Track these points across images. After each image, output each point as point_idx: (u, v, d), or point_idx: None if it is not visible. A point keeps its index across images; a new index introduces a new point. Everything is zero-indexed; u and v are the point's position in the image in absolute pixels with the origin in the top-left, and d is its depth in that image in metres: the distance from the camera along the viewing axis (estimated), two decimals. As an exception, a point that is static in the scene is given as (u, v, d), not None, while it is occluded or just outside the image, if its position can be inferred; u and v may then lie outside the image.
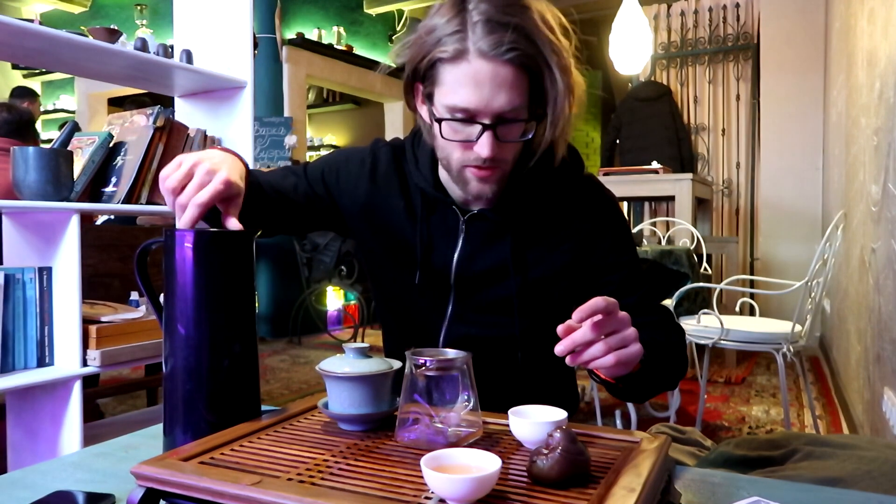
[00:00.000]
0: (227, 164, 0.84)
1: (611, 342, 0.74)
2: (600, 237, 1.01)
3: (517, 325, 1.00)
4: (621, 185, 3.85)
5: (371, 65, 6.29)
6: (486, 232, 0.99)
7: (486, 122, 0.84)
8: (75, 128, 1.85)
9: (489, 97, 0.83)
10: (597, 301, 0.72)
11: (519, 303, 1.00)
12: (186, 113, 2.21)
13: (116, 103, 6.44)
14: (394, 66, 0.97)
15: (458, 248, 1.00)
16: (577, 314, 0.72)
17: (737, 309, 2.81)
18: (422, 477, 0.56)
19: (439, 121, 0.87)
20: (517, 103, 0.84)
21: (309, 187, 1.05)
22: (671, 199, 3.91)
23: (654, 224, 4.24)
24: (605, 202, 1.04)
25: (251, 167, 2.17)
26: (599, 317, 0.72)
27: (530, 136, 0.88)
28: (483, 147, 0.86)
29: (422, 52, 0.86)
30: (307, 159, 6.24)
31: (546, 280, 1.00)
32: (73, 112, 7.17)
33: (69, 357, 1.68)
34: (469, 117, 0.85)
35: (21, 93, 4.95)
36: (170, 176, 0.81)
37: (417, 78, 0.90)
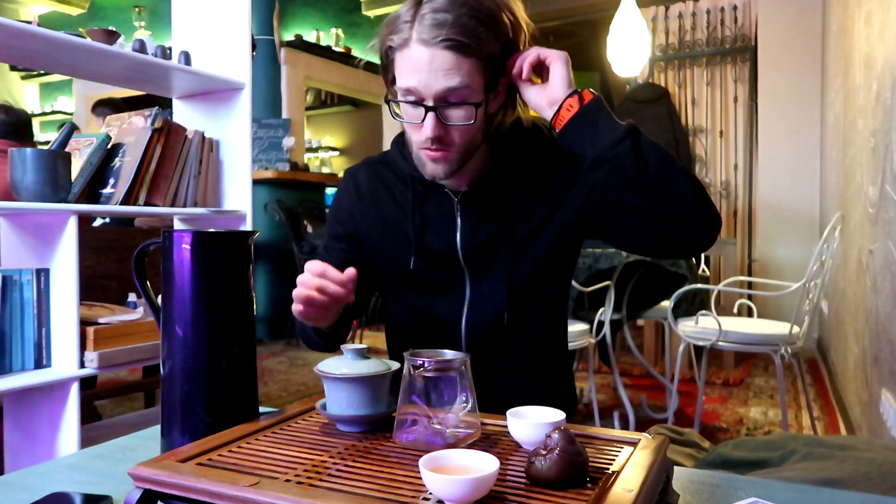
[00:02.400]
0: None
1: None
2: (581, 179, 1.03)
3: (510, 288, 1.04)
4: (619, 186, 3.84)
5: (370, 67, 6.30)
6: (482, 206, 1.04)
7: (429, 104, 0.91)
8: (73, 129, 1.84)
9: (426, 80, 0.89)
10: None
11: (520, 263, 1.04)
12: (185, 114, 2.20)
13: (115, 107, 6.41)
14: (366, 59, 1.07)
15: (459, 228, 1.04)
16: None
17: (735, 310, 2.82)
18: (420, 478, 0.56)
19: (389, 102, 0.96)
20: (455, 84, 0.89)
21: (342, 248, 1.10)
22: (669, 200, 3.90)
23: (652, 226, 4.23)
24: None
25: (250, 169, 2.16)
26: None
27: (472, 122, 0.92)
28: (426, 128, 0.92)
29: (382, 41, 0.95)
30: (305, 161, 6.25)
31: (537, 234, 1.04)
32: (71, 114, 7.17)
33: (67, 359, 1.68)
34: (416, 100, 0.91)
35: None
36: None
37: (384, 66, 0.97)
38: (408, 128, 0.98)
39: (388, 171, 1.09)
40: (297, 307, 0.86)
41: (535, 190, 1.05)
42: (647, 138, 0.92)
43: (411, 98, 0.92)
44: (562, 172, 1.05)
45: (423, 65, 0.89)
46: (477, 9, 0.90)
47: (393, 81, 0.96)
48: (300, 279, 0.85)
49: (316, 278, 0.83)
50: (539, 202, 1.05)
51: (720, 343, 2.46)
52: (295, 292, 0.85)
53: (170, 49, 1.99)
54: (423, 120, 0.92)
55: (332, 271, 0.83)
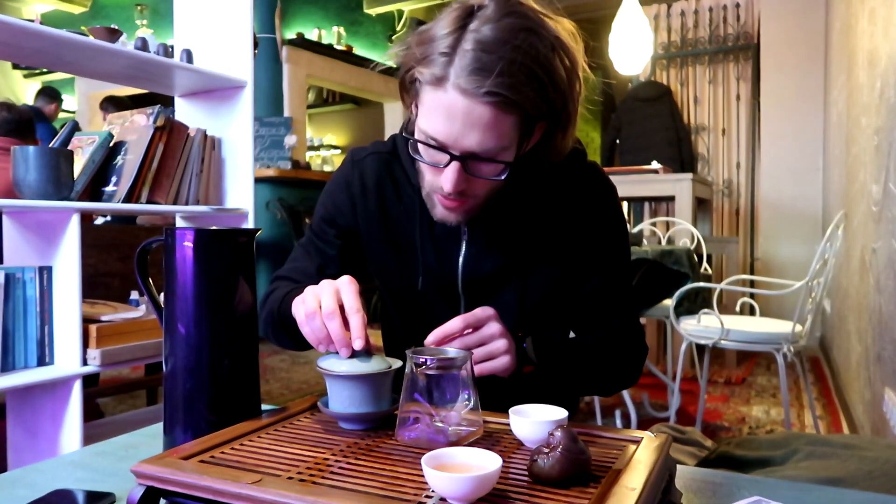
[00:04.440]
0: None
1: (477, 355, 0.80)
2: (596, 229, 0.98)
3: (517, 323, 0.97)
4: (621, 185, 3.81)
5: (371, 65, 6.30)
6: (491, 232, 0.96)
7: (456, 153, 0.80)
8: (75, 127, 1.85)
9: (459, 133, 0.78)
10: (454, 323, 0.79)
11: (524, 302, 0.97)
12: (186, 112, 2.21)
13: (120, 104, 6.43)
14: (390, 65, 0.94)
15: (463, 252, 0.97)
16: (430, 337, 0.78)
17: (737, 309, 2.81)
18: (422, 476, 0.56)
19: (408, 139, 0.85)
20: (491, 145, 0.79)
21: (335, 234, 1.02)
22: (671, 199, 3.91)
23: (654, 224, 4.23)
24: (607, 193, 1.00)
25: (254, 165, 2.15)
26: (465, 333, 0.80)
27: (501, 178, 0.83)
28: (447, 180, 0.82)
29: (409, 62, 0.82)
30: (307, 159, 6.25)
31: (550, 274, 0.97)
32: (73, 112, 7.18)
33: (69, 356, 1.68)
34: (439, 146, 0.81)
35: (48, 93, 4.99)
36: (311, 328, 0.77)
37: (406, 84, 0.86)
38: (424, 168, 0.87)
39: (399, 167, 0.99)
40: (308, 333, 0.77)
41: (554, 223, 0.96)
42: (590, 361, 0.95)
43: (430, 142, 0.81)
44: (587, 205, 0.97)
45: (457, 115, 0.77)
46: (530, 55, 0.76)
47: (415, 105, 0.85)
48: (318, 295, 0.75)
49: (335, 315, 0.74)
50: (554, 238, 0.96)
51: (722, 342, 2.45)
52: (308, 321, 0.76)
53: (172, 47, 1.99)
54: (444, 165, 0.81)
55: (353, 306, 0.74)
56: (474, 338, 0.80)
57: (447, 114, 0.78)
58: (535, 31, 0.78)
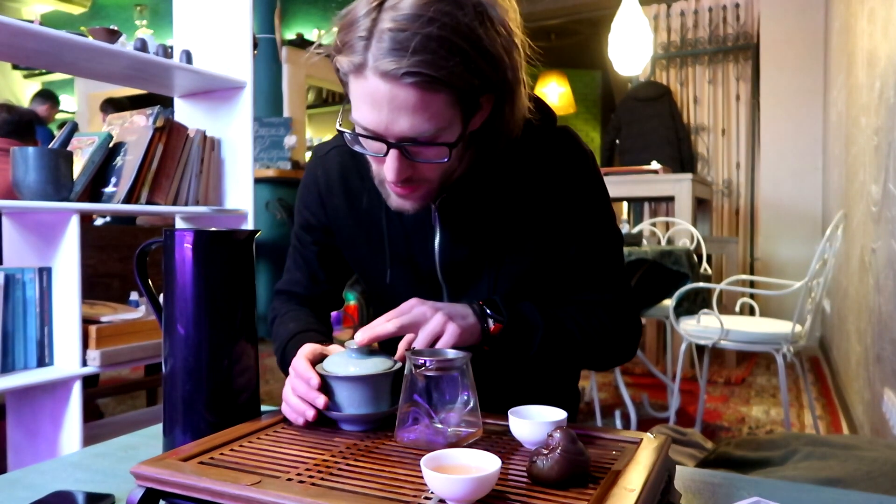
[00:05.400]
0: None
1: (421, 339, 0.78)
2: (572, 198, 0.92)
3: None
4: (621, 185, 3.84)
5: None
6: (464, 214, 0.92)
7: (391, 141, 0.75)
8: (75, 128, 1.84)
9: (388, 120, 0.73)
10: (380, 320, 0.78)
11: (508, 281, 0.93)
12: (186, 113, 2.21)
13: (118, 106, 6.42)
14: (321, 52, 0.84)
15: (437, 239, 0.93)
16: (358, 335, 0.77)
17: (737, 309, 2.81)
18: (422, 477, 0.56)
19: (342, 132, 0.81)
20: (425, 128, 0.74)
21: (313, 240, 1.02)
22: (671, 199, 3.91)
23: (653, 224, 4.23)
24: (581, 160, 0.93)
25: (254, 166, 2.12)
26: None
27: (445, 161, 0.77)
28: (389, 170, 0.78)
29: (333, 52, 0.76)
30: (306, 160, 6.24)
31: (531, 251, 0.93)
32: (73, 113, 7.18)
33: (69, 357, 1.68)
34: (373, 136, 0.76)
35: (44, 95, 4.99)
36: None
37: (338, 74, 0.80)
38: (370, 159, 0.83)
39: (364, 157, 0.91)
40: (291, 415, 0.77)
41: (529, 197, 0.91)
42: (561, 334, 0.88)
43: (364, 133, 0.76)
44: (559, 172, 0.91)
45: (382, 102, 0.72)
46: (449, 26, 0.70)
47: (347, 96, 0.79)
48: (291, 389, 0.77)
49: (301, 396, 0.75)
50: (531, 212, 0.92)
51: (722, 342, 2.46)
52: (287, 405, 0.77)
53: (171, 48, 1.99)
54: (384, 154, 0.77)
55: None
56: (406, 320, 0.77)
57: (372, 101, 0.73)
58: (454, 0, 0.71)
